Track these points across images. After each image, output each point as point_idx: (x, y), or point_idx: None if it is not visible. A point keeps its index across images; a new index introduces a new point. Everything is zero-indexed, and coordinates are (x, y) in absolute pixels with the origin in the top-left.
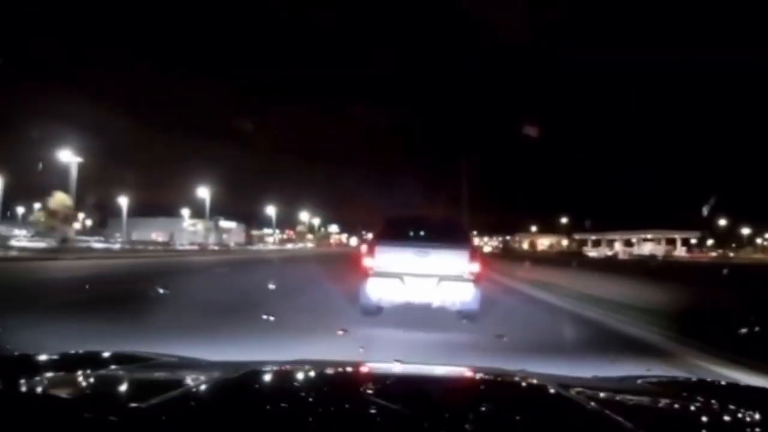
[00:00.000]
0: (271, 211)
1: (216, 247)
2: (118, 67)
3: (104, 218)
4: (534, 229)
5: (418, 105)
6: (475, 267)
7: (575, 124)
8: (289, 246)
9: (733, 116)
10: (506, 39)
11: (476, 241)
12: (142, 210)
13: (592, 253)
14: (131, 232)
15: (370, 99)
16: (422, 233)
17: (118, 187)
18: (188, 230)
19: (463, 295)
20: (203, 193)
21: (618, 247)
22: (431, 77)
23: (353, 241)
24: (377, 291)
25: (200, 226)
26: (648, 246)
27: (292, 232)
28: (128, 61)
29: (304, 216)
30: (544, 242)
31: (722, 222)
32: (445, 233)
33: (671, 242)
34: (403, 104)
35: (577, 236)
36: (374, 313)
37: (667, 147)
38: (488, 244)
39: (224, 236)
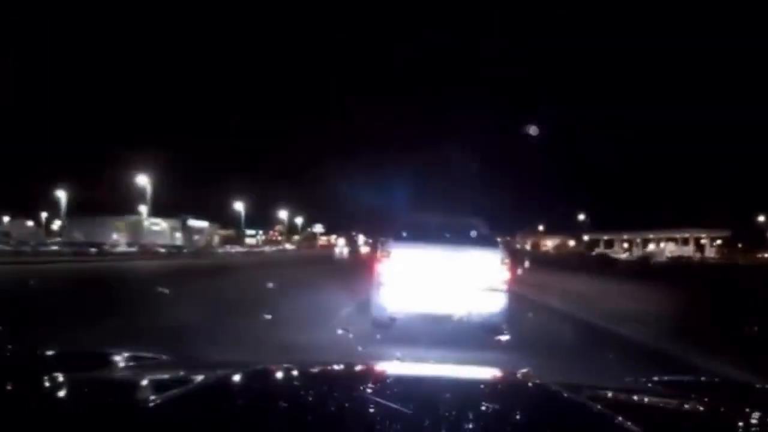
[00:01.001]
0: (240, 207)
1: (162, 250)
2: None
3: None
4: (541, 228)
5: (409, 97)
6: (506, 274)
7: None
8: (266, 249)
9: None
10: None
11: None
12: (109, 208)
13: (622, 255)
14: (87, 231)
15: (360, 90)
16: (443, 235)
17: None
18: (151, 230)
19: (490, 305)
20: (151, 185)
21: (651, 247)
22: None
23: (341, 242)
24: (391, 300)
25: (164, 225)
26: (670, 246)
27: (275, 233)
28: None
29: (284, 215)
30: (548, 243)
31: (761, 219)
32: (470, 235)
33: (697, 242)
34: (393, 96)
35: (587, 236)
36: (386, 325)
37: (685, 138)
38: None
39: (196, 237)
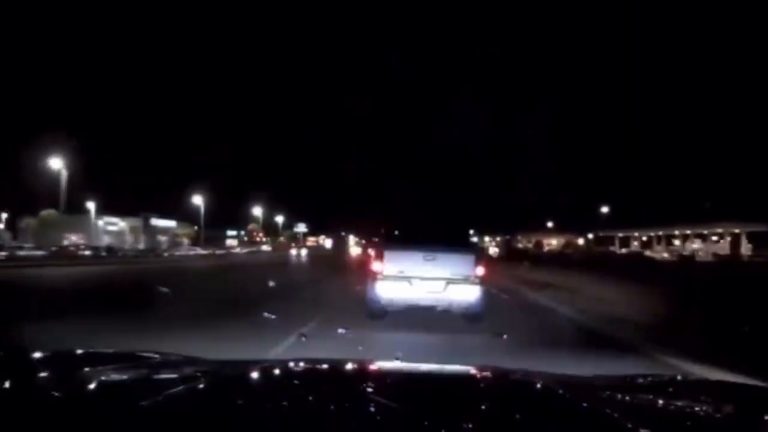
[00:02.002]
0: (200, 202)
1: (87, 253)
2: None
3: None
4: (550, 224)
5: (407, 94)
6: (481, 270)
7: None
8: (237, 250)
9: None
10: None
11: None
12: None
13: (665, 254)
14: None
15: (350, 87)
16: (429, 237)
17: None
18: (105, 230)
19: (468, 297)
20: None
21: (694, 244)
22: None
23: (328, 243)
24: (385, 293)
25: (122, 224)
26: (696, 243)
27: (256, 233)
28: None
29: (258, 212)
30: (552, 241)
31: None
32: (451, 237)
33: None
34: (389, 94)
35: (600, 234)
36: (380, 316)
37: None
38: (489, 243)
39: (163, 238)
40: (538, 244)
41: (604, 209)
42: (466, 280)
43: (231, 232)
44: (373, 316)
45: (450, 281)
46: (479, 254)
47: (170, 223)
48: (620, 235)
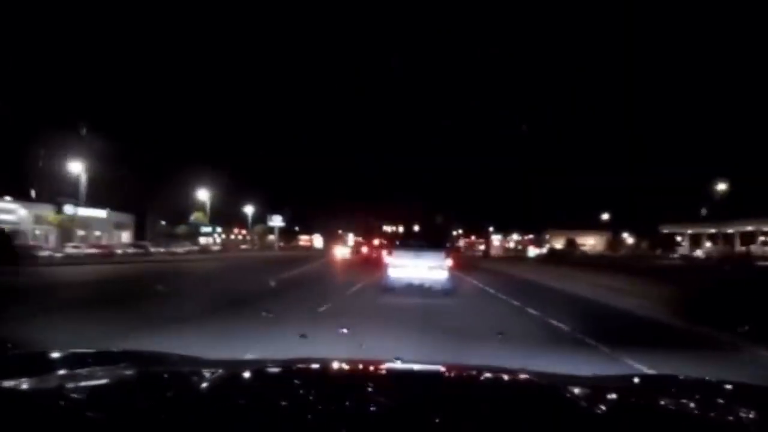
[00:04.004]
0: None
1: None
2: None
3: None
4: (606, 217)
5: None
6: (449, 261)
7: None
8: (161, 250)
9: None
10: None
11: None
12: None
13: None
14: None
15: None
16: (419, 240)
17: None
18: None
19: (441, 278)
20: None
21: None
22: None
23: (319, 242)
24: (393, 275)
25: (23, 212)
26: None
27: (240, 230)
28: None
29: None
30: (589, 240)
31: None
32: (433, 240)
33: None
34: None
35: (663, 230)
36: (390, 290)
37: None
38: (513, 241)
39: (97, 233)
40: (572, 244)
41: (721, 186)
42: (439, 267)
43: (206, 228)
44: (386, 290)
45: (430, 267)
46: (448, 252)
47: (99, 213)
48: (689, 232)
